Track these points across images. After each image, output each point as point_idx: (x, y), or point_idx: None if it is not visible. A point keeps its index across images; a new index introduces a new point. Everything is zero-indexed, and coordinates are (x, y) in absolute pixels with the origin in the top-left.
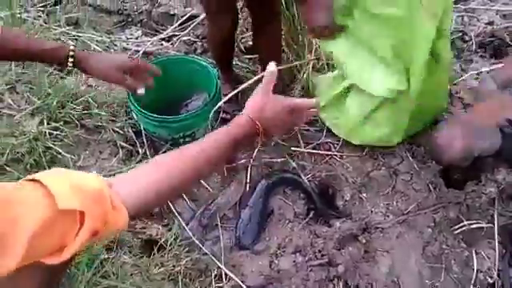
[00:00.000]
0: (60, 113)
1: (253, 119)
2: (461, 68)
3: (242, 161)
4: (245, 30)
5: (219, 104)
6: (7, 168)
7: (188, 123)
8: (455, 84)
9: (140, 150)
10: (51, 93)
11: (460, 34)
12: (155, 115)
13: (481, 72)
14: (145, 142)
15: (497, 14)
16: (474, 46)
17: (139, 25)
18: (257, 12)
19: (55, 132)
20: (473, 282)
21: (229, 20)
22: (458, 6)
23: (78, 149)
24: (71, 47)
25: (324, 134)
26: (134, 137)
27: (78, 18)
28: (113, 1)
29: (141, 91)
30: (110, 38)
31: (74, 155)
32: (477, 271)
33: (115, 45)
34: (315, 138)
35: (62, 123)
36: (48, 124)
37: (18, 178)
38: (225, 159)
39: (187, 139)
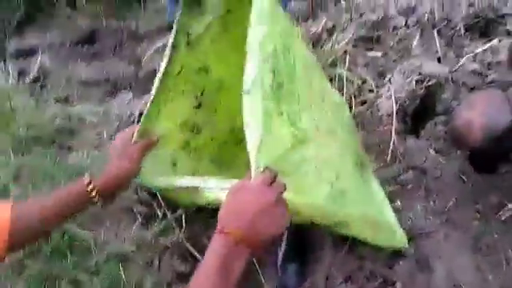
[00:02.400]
0: None
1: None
2: (455, 55)
3: None
4: None
5: None
6: (26, 261)
7: None
8: (455, 71)
9: (158, 212)
10: (56, 174)
11: (445, 21)
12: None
13: (477, 53)
14: (162, 202)
15: None
16: (461, 31)
17: (128, 89)
18: None
19: None
20: None
21: None
22: None
23: (96, 224)
24: (86, 178)
25: None
26: (149, 199)
27: (67, 95)
28: (98, 72)
29: None
30: (102, 107)
31: (92, 232)
32: None
33: (108, 114)
34: None
35: None
36: None
37: (40, 272)
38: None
39: None
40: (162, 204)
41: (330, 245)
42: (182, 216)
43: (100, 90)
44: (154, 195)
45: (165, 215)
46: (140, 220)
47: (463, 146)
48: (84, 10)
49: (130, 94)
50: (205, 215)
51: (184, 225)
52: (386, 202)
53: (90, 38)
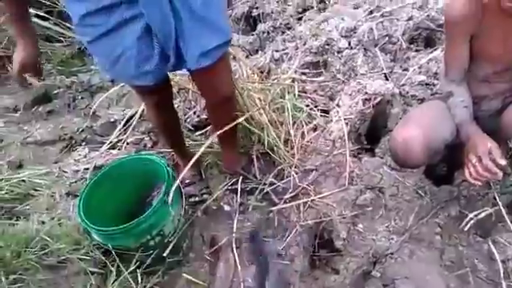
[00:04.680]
0: (18, 262)
1: None
2: (402, 69)
3: (224, 239)
4: (187, 109)
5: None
6: None
7: (148, 224)
8: (403, 85)
9: (112, 269)
10: (2, 245)
11: (386, 38)
12: (108, 228)
13: (422, 65)
14: (116, 258)
15: (413, 8)
16: (404, 44)
17: (84, 143)
18: (207, 95)
19: (16, 285)
20: (502, 274)
21: (161, 93)
22: (374, 14)
23: None
24: None
25: (292, 183)
26: (102, 257)
27: (20, 159)
28: (54, 130)
29: None
30: (58, 166)
31: None
32: (504, 261)
33: (65, 171)
34: (286, 190)
35: (21, 272)
36: (6, 278)
37: None
38: None
39: (157, 239)
40: (117, 260)
41: (292, 275)
42: (137, 270)
43: (56, 149)
44: (107, 252)
45: (120, 272)
46: (94, 282)
47: (405, 165)
48: None
49: (87, 148)
50: (161, 268)
51: (140, 280)
52: None
53: (44, 98)
